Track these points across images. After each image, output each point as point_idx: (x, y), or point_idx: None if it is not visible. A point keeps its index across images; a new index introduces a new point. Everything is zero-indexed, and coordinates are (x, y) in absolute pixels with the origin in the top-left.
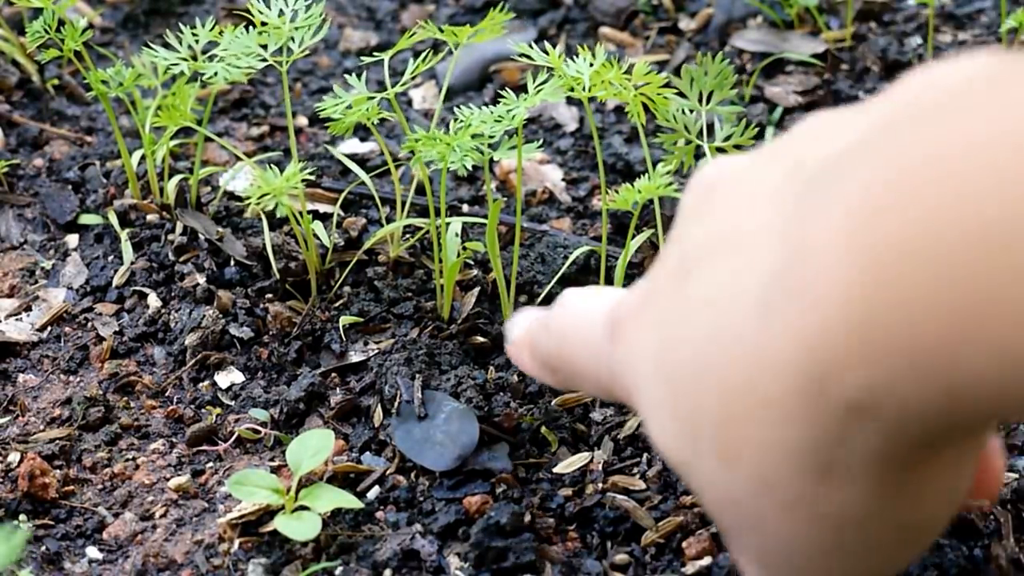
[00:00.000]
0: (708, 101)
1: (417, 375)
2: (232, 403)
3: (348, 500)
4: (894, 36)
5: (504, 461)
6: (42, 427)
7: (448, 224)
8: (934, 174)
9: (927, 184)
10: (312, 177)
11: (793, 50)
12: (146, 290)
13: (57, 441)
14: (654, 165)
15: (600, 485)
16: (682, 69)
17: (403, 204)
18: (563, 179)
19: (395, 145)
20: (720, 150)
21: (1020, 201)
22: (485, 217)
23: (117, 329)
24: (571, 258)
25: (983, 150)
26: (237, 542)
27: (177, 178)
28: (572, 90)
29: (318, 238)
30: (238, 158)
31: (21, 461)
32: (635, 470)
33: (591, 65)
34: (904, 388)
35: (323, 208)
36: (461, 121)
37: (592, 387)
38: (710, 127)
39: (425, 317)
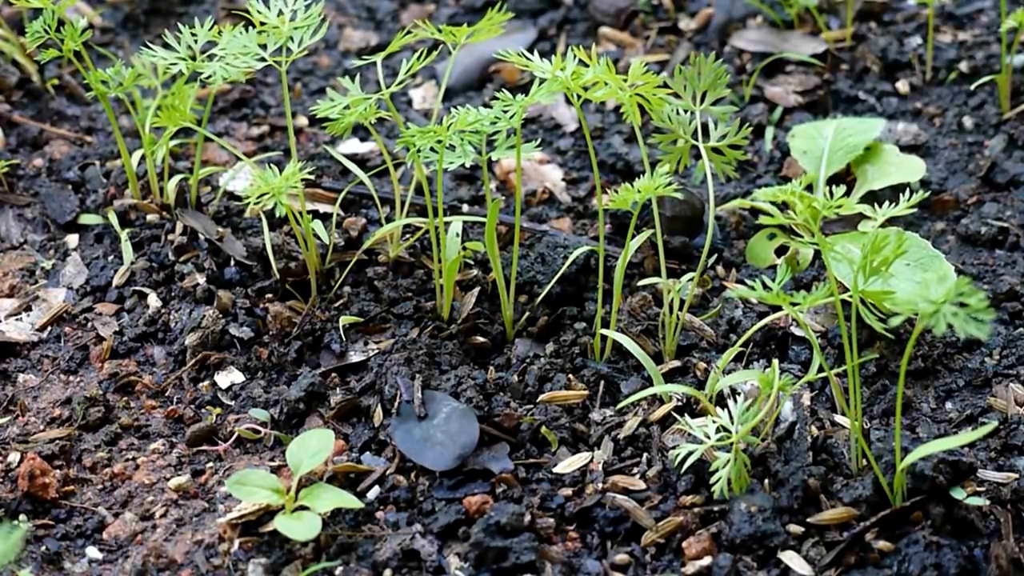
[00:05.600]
0: (703, 102)
1: (417, 375)
2: (232, 403)
3: (348, 500)
4: (894, 36)
5: (504, 461)
6: (42, 427)
7: (448, 224)
8: None
9: None
10: (312, 177)
11: (793, 50)
12: (146, 290)
13: (57, 441)
14: (653, 165)
15: (600, 485)
16: (676, 70)
17: (403, 204)
18: (563, 179)
19: (395, 145)
20: (716, 151)
21: None
22: (485, 217)
23: (117, 329)
24: (571, 258)
25: None
26: (237, 542)
27: (177, 178)
28: (574, 93)
29: (318, 238)
30: (238, 158)
31: (21, 461)
32: (635, 470)
33: (586, 65)
34: None
35: (323, 208)
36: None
37: None
38: (705, 127)
39: (425, 317)
